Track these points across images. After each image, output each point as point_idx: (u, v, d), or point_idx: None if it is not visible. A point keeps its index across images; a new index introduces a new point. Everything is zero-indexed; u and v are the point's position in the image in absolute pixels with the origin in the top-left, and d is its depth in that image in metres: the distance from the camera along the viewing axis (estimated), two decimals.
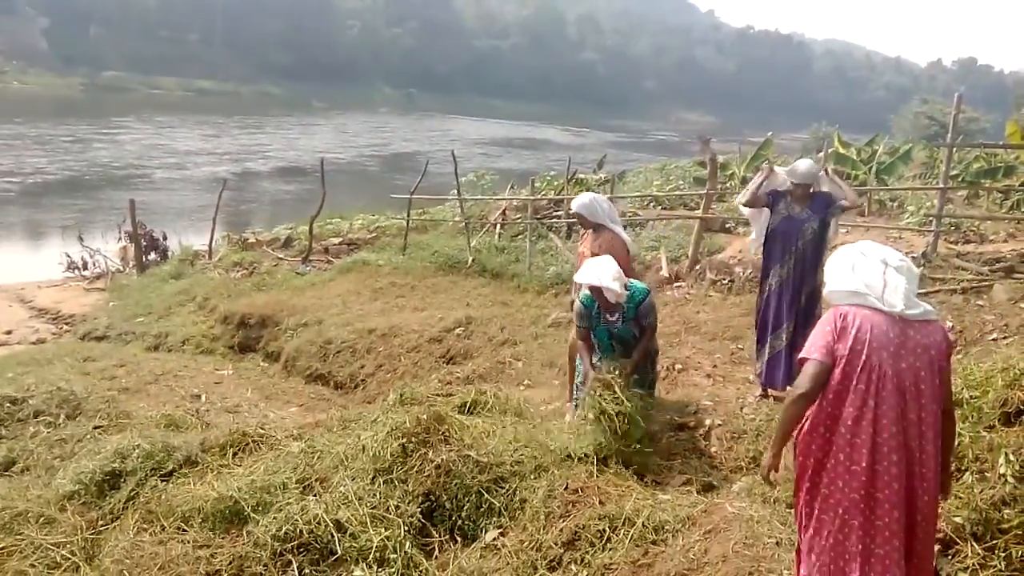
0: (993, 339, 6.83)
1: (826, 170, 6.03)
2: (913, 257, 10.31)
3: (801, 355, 2.67)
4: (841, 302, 2.64)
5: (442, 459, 4.48)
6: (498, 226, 15.98)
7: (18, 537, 4.57)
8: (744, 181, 14.90)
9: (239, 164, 37.48)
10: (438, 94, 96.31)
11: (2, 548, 4.51)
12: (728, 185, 17.40)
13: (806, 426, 2.68)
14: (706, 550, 3.62)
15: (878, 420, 2.46)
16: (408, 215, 15.79)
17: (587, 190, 17.63)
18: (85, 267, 17.19)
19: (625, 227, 14.34)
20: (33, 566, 4.38)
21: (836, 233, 6.37)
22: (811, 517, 2.64)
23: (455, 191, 16.67)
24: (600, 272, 4.85)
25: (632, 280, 5.16)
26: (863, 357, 2.48)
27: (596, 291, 4.92)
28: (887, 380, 2.45)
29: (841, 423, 2.52)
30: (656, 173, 22.86)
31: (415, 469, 4.49)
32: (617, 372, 4.85)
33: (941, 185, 10.81)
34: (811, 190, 5.80)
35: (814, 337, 2.63)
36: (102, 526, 4.69)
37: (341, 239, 17.05)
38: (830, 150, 17.23)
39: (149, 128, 51.06)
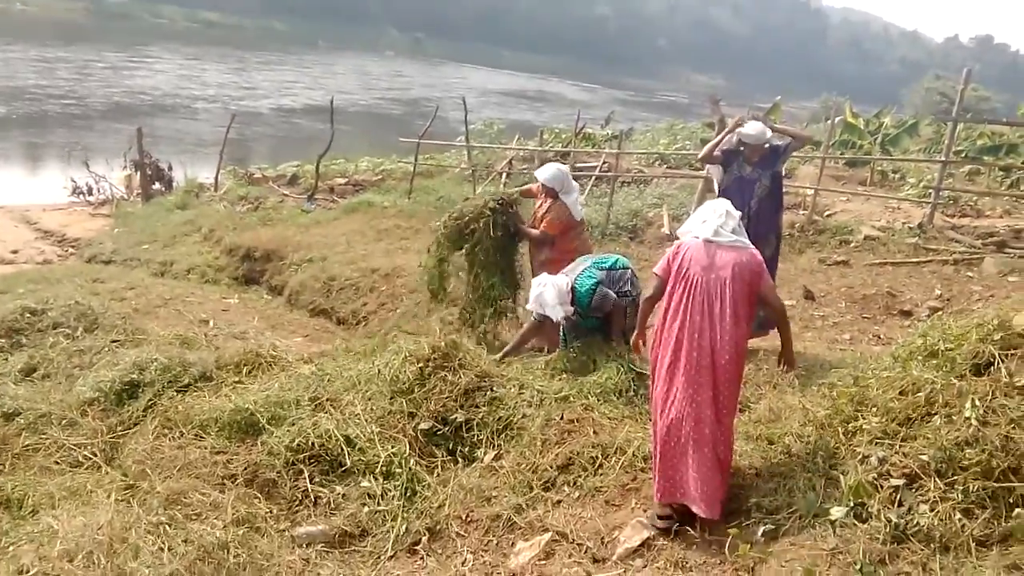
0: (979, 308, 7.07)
1: (772, 127, 6.08)
2: (909, 228, 10.52)
3: (652, 271, 4.02)
4: (682, 237, 3.95)
5: (463, 381, 4.83)
6: (504, 175, 16.09)
7: (42, 436, 4.84)
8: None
9: (273, 100, 38.05)
10: (446, 40, 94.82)
11: (27, 445, 4.79)
12: None
13: (660, 314, 3.94)
14: None
15: (689, 309, 3.69)
16: (415, 159, 15.84)
17: (593, 146, 17.72)
18: (90, 192, 17.28)
19: (629, 183, 14.60)
20: (57, 463, 4.66)
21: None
22: (654, 368, 3.91)
23: (462, 138, 16.72)
24: (543, 299, 5.17)
25: (583, 275, 5.28)
26: (684, 271, 3.75)
27: None
28: (697, 285, 3.70)
29: (669, 312, 3.80)
30: (663, 132, 22.84)
31: (436, 390, 4.81)
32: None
33: (943, 159, 10.97)
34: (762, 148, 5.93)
35: (661, 261, 3.95)
36: (121, 431, 4.96)
37: (347, 179, 17.14)
38: (839, 119, 17.23)
39: (177, 58, 51.34)
